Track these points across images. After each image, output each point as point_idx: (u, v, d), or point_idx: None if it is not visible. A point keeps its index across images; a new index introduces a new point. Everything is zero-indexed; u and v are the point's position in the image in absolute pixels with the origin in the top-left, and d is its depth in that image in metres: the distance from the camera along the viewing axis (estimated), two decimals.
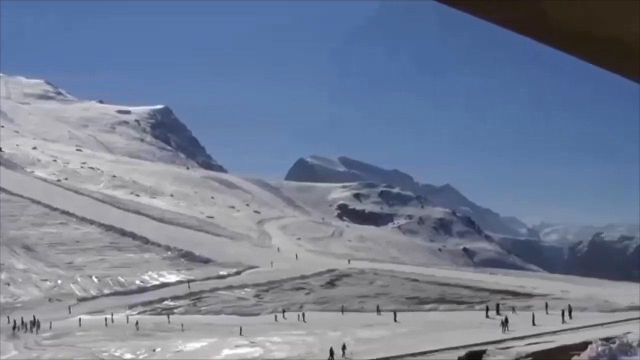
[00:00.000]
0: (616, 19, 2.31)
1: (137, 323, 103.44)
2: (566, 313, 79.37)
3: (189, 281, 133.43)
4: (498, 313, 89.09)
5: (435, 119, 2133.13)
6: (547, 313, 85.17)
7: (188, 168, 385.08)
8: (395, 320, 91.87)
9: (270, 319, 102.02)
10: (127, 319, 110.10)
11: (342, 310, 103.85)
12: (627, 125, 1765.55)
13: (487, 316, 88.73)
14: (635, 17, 2.28)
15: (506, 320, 72.82)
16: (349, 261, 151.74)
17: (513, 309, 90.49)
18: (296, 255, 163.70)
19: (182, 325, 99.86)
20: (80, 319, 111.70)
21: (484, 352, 57.79)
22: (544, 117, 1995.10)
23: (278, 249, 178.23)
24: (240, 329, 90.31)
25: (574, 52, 2.43)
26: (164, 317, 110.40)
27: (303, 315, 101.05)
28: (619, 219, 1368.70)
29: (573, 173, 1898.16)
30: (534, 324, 73.69)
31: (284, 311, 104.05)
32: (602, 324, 69.48)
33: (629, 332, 57.66)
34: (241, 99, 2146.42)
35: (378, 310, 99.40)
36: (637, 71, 2.53)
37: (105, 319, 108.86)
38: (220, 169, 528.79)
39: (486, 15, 2.25)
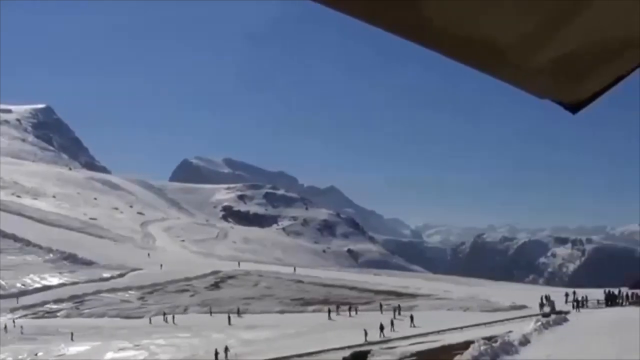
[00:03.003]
0: (490, 21, 2.30)
1: (5, 327, 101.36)
2: (407, 316, 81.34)
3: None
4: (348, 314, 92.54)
5: (319, 121, 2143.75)
6: (381, 313, 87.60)
7: (71, 169, 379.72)
8: (229, 323, 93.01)
9: (156, 321, 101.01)
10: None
11: (210, 312, 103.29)
12: (507, 126, 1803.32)
13: (329, 318, 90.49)
14: (507, 20, 2.29)
15: (382, 326, 73.07)
16: (239, 263, 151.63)
17: (355, 310, 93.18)
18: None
19: (63, 328, 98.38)
20: None
21: (368, 352, 58.25)
22: (426, 119, 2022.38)
23: (148, 254, 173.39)
24: (72, 335, 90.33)
25: (448, 53, 2.41)
26: (47, 321, 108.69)
27: (173, 317, 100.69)
28: (500, 220, 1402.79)
29: (455, 175, 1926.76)
30: (381, 329, 73.16)
31: (164, 314, 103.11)
32: (447, 330, 70.32)
33: (510, 331, 58.84)
34: (125, 99, 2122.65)
35: (239, 313, 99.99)
36: (510, 75, 2.52)
37: None
38: (103, 169, 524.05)
39: (362, 16, 2.20)
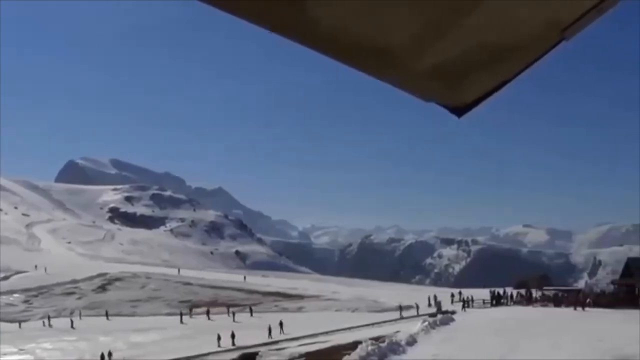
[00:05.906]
0: (377, 23, 2.27)
1: None
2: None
3: None
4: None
5: (207, 122, 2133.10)
6: (229, 315, 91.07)
7: None
8: (72, 327, 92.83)
9: (38, 324, 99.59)
10: None
11: (80, 315, 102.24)
12: (393, 128, 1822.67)
13: (181, 321, 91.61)
14: (395, 22, 2.28)
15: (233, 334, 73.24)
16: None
17: (208, 313, 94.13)
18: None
19: None
20: None
21: (256, 353, 58.43)
22: (312, 120, 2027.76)
23: (34, 263, 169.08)
24: None
25: (334, 56, 2.38)
26: None
27: (49, 319, 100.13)
28: (387, 222, 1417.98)
29: (342, 176, 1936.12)
30: (233, 338, 72.56)
31: (49, 317, 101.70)
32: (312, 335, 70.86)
33: (398, 331, 59.74)
34: (9, 98, 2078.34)
35: (107, 316, 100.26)
36: (396, 77, 2.50)
37: None
38: None
39: (248, 16, 2.17)
